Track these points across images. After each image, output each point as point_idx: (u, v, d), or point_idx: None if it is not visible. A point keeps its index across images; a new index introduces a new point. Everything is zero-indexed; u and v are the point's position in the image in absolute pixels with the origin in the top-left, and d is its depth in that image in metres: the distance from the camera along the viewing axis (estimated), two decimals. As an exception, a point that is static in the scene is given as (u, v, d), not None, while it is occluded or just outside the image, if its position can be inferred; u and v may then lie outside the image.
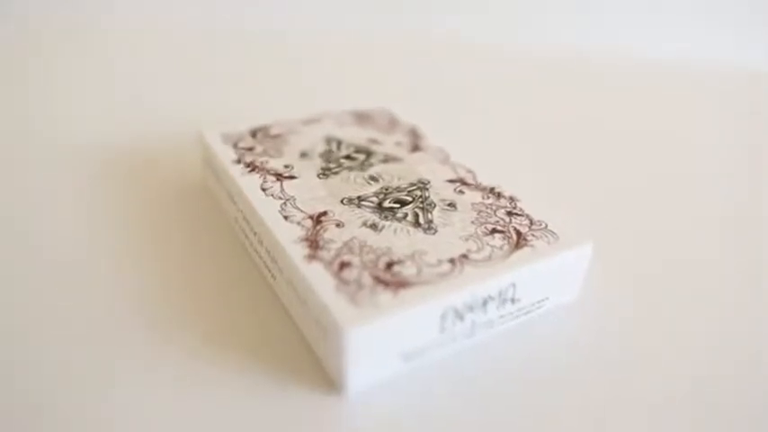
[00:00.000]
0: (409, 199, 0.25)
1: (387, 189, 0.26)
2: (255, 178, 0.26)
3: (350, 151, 0.28)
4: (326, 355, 0.20)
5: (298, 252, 0.22)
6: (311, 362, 0.22)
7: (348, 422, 0.20)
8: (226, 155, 0.27)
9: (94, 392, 0.20)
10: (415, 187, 0.26)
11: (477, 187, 0.26)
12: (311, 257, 0.21)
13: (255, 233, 0.24)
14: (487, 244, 0.22)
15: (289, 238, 0.22)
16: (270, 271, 0.24)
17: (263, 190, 0.25)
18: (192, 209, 0.29)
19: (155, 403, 0.20)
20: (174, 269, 0.25)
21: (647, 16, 0.58)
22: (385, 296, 0.20)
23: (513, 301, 0.22)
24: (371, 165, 0.27)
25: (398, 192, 0.25)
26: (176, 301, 0.24)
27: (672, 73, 0.53)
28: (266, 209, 0.24)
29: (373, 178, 0.26)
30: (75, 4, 0.53)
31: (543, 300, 0.23)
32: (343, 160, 0.28)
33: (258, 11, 0.56)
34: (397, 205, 0.24)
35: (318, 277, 0.20)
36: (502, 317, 0.22)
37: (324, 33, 0.55)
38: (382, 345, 0.20)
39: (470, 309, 0.21)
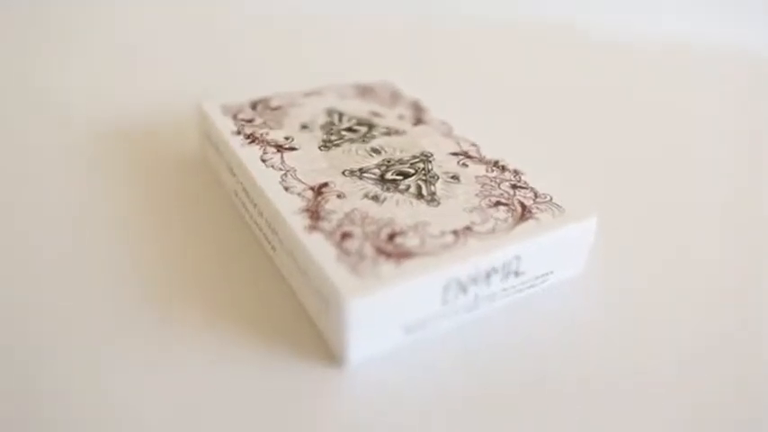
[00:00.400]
0: (412, 171, 0.24)
1: (389, 161, 0.25)
2: (255, 149, 0.25)
3: (352, 124, 0.28)
4: (327, 326, 0.20)
5: (298, 222, 0.21)
6: (312, 334, 0.21)
7: (348, 393, 0.19)
8: (225, 126, 0.27)
9: (94, 365, 0.20)
10: (417, 160, 0.25)
11: (481, 160, 0.25)
12: (312, 228, 0.21)
13: (255, 205, 0.24)
14: (491, 216, 0.22)
15: (289, 208, 0.22)
16: (270, 243, 0.24)
17: (263, 161, 0.25)
18: (191, 182, 0.29)
19: (154, 377, 0.19)
20: (173, 242, 0.25)
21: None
22: (387, 267, 0.19)
23: (516, 274, 0.22)
24: (374, 137, 0.27)
25: (401, 164, 0.25)
26: (176, 275, 0.23)
27: (674, 50, 0.52)
28: (266, 180, 0.23)
29: (375, 150, 0.26)
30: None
31: (547, 273, 0.23)
32: (344, 132, 0.27)
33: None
34: (400, 177, 0.24)
35: (319, 248, 0.20)
36: (505, 290, 0.22)
37: (324, 12, 0.54)
38: (384, 316, 0.20)
39: (474, 281, 0.21)
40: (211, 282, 0.23)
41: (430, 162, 0.25)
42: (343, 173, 0.24)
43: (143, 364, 0.20)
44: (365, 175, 0.24)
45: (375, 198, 0.23)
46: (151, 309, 0.22)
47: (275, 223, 0.22)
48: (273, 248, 0.23)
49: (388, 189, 0.23)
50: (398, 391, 0.20)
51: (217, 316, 0.22)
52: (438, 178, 0.24)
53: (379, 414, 0.19)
